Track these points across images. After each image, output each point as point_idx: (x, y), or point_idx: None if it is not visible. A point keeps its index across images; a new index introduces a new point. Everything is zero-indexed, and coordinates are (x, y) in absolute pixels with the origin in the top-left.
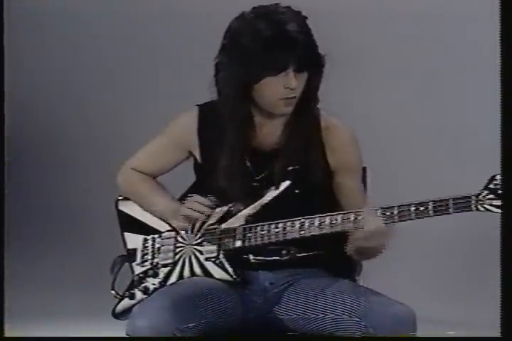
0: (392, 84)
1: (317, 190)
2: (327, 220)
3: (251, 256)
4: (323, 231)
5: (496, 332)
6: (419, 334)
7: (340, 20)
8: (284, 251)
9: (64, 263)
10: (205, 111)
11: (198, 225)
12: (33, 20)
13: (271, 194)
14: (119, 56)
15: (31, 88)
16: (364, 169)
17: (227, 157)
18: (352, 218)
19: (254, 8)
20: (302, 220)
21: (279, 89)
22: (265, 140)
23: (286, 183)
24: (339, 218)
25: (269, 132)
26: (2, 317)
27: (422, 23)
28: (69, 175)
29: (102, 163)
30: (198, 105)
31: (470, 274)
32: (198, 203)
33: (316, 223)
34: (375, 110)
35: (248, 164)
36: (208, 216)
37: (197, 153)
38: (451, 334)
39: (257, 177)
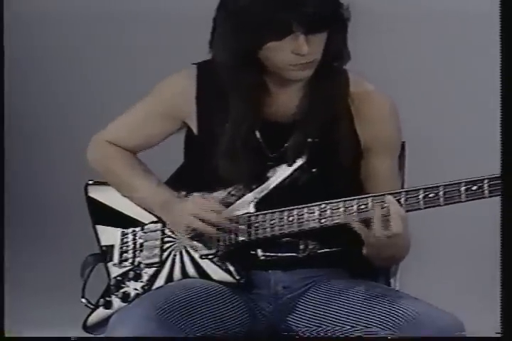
0: (392, 84)
1: (339, 170)
2: (354, 205)
3: (259, 252)
4: (350, 219)
5: (496, 332)
6: None
7: None
8: (301, 246)
9: (64, 264)
10: (205, 72)
11: None
12: (32, 20)
13: (282, 173)
14: (120, 56)
15: (31, 88)
16: (402, 144)
17: (233, 129)
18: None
19: None
20: (323, 205)
21: (287, 55)
22: (281, 109)
23: (301, 160)
24: (370, 202)
25: (286, 100)
26: (2, 317)
27: (422, 23)
28: (70, 174)
29: None
30: (195, 64)
31: (470, 274)
32: (216, 214)
33: (341, 209)
34: None
35: (260, 139)
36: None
37: (193, 124)
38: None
39: (272, 155)
